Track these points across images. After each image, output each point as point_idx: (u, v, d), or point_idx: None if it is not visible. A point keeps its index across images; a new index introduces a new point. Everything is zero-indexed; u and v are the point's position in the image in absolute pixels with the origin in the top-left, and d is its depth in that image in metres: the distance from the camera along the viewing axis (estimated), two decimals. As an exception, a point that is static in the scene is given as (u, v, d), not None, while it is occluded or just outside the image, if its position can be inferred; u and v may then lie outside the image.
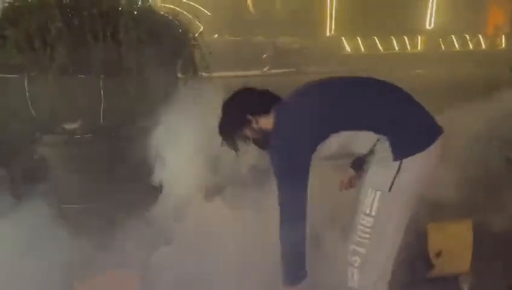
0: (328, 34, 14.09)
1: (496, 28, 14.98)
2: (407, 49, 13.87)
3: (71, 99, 2.71)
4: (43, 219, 2.42)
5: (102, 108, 2.67)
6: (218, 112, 1.86)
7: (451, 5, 14.16)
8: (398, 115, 1.71)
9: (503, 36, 14.56)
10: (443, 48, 13.91)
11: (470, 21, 14.08)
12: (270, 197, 2.28)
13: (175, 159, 2.53)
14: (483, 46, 14.30)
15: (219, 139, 1.88)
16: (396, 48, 13.78)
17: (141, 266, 2.17)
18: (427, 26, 14.82)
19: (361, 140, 1.72)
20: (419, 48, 14.12)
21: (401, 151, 1.67)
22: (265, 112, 1.81)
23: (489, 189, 2.98)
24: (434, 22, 14.79)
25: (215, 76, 3.25)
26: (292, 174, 1.69)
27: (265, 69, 11.18)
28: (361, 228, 1.73)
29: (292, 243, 1.72)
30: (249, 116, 1.82)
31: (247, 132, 1.85)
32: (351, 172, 2.05)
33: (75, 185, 2.92)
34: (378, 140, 1.69)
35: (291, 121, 1.74)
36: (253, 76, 9.54)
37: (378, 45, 13.58)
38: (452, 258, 2.40)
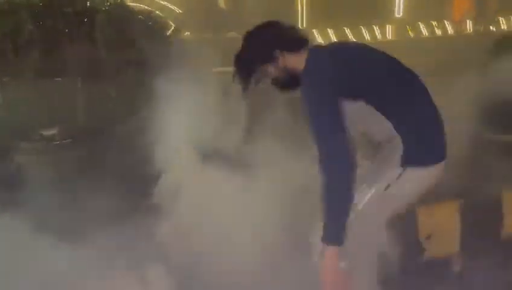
0: (300, 27, 14.13)
1: (461, 13, 15.34)
2: (377, 38, 14.07)
3: (48, 103, 2.63)
4: (23, 228, 2.34)
5: (81, 111, 2.60)
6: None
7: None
8: (420, 121, 1.67)
9: (468, 21, 14.93)
10: (412, 35, 14.17)
11: (436, 8, 14.38)
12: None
13: (164, 153, 2.49)
14: (451, 32, 14.64)
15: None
16: (368, 38, 13.95)
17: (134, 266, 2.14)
18: (396, 15, 15.06)
19: (382, 127, 1.66)
20: (389, 36, 14.34)
21: (410, 158, 1.63)
22: (295, 50, 1.70)
23: (473, 168, 3.04)
24: (402, 10, 15.04)
25: (192, 73, 3.21)
26: (329, 117, 1.56)
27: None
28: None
29: (337, 197, 1.54)
30: (277, 52, 1.70)
31: (270, 69, 1.72)
32: None
33: (55, 193, 2.83)
34: (394, 138, 1.65)
35: (327, 67, 1.63)
36: (230, 72, 9.48)
37: (350, 35, 13.71)
38: (442, 241, 2.44)
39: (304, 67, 1.66)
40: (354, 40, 13.60)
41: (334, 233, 1.55)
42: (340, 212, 1.54)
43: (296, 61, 1.69)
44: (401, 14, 15.02)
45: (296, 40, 1.72)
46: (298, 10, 14.25)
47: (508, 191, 2.68)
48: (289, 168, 2.48)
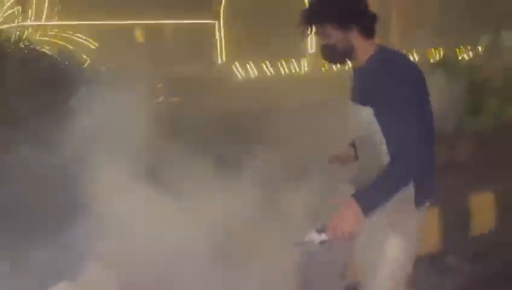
0: (220, 61, 14.44)
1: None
2: (294, 71, 14.79)
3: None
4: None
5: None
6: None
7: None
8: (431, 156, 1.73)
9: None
10: (323, 69, 15.11)
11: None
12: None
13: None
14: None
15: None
16: (285, 72, 14.62)
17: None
18: (310, 50, 16.01)
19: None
20: (304, 70, 15.15)
21: (423, 197, 1.72)
22: (367, 35, 1.69)
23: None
24: (315, 46, 16.04)
25: (110, 106, 3.16)
26: (416, 115, 1.58)
27: (160, 99, 11.04)
28: (387, 273, 1.76)
29: (399, 183, 1.58)
30: (353, 26, 1.67)
31: (334, 33, 1.67)
32: (350, 151, 2.01)
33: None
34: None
35: (413, 70, 1.66)
36: (150, 108, 9.32)
37: (268, 69, 14.28)
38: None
39: (387, 62, 1.66)
40: (272, 73, 14.21)
41: (372, 203, 1.57)
42: (390, 195, 1.57)
43: (361, 44, 1.69)
44: (314, 49, 16.00)
45: (373, 28, 1.72)
46: (218, 44, 14.58)
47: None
48: (217, 187, 2.52)
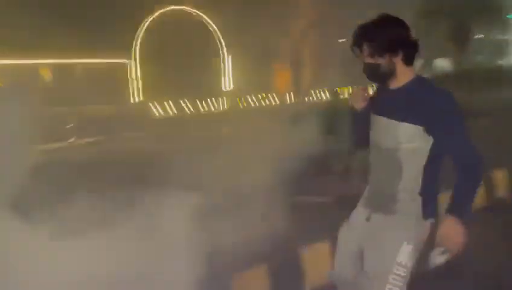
0: (134, 100, 14.21)
1: (283, 87, 17.53)
2: (212, 109, 14.97)
3: None
4: None
5: None
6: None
7: (246, 69, 16.11)
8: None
9: (290, 93, 17.08)
10: (243, 106, 15.49)
11: (263, 82, 16.16)
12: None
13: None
14: (277, 102, 16.48)
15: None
16: (204, 109, 14.75)
17: None
18: (228, 88, 16.43)
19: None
20: (223, 107, 15.41)
21: (433, 211, 1.84)
22: (409, 62, 1.81)
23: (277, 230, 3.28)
24: (232, 85, 16.51)
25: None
26: (468, 133, 1.76)
27: (71, 140, 10.52)
28: (394, 277, 1.82)
29: (478, 185, 1.78)
30: (399, 50, 1.78)
31: (382, 55, 1.78)
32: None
33: None
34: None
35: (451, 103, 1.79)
36: (58, 149, 8.80)
37: (187, 107, 14.31)
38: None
39: (432, 86, 1.82)
40: (191, 111, 14.25)
41: (468, 211, 1.76)
42: (475, 195, 1.79)
43: (402, 68, 1.82)
44: (230, 87, 16.42)
45: (414, 56, 1.84)
46: (131, 84, 14.37)
47: (307, 251, 2.94)
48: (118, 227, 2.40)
